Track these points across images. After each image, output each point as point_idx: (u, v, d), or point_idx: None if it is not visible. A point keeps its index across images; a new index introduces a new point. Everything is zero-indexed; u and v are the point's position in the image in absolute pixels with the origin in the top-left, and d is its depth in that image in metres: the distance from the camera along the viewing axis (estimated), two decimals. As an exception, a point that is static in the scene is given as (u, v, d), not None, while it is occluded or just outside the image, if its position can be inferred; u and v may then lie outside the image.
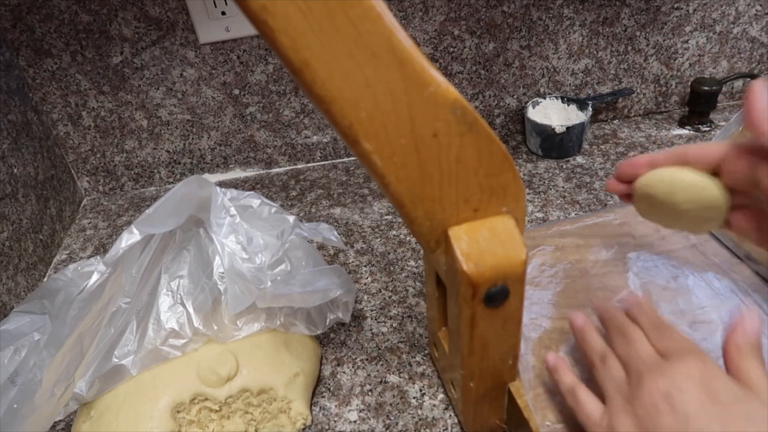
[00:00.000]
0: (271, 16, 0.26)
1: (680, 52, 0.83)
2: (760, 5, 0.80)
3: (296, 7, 0.26)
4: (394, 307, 0.60)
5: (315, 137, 0.85)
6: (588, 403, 0.36)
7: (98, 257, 0.48)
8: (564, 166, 0.79)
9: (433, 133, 0.31)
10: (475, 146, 0.32)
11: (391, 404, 0.51)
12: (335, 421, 0.50)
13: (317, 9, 0.27)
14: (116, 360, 0.46)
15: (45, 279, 0.73)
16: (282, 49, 0.27)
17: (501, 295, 0.35)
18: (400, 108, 0.30)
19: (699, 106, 0.81)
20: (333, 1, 0.27)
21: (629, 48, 0.81)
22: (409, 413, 0.50)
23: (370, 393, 0.52)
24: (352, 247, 0.69)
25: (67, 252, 0.77)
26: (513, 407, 0.42)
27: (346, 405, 0.51)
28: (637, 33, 0.80)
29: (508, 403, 0.43)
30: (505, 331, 0.38)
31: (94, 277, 0.47)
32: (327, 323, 0.52)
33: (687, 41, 0.82)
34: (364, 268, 0.66)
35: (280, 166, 0.87)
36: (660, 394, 0.31)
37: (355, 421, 0.50)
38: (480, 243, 0.34)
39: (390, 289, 0.62)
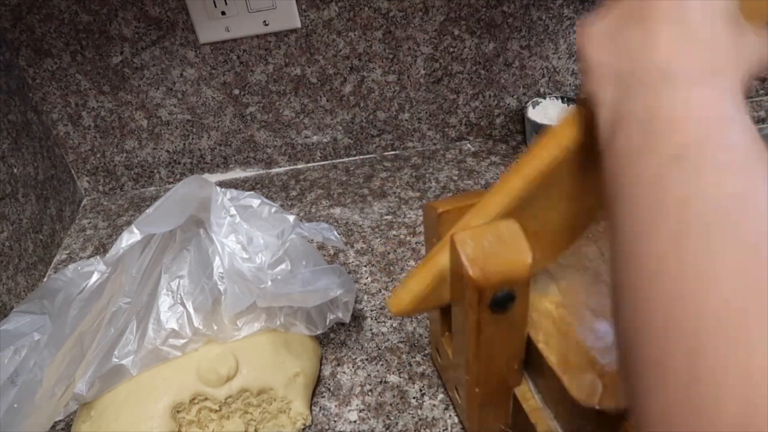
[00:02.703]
0: None
1: (680, 52, 0.82)
2: (760, 5, 0.80)
3: None
4: (394, 307, 0.60)
5: (315, 137, 0.85)
6: None
7: (98, 257, 0.48)
8: (564, 166, 0.78)
9: None
10: None
11: (391, 404, 0.51)
12: (335, 421, 0.50)
13: None
14: (116, 360, 0.46)
15: (45, 279, 0.73)
16: None
17: (507, 299, 0.35)
18: None
19: (699, 106, 0.81)
20: None
21: (629, 48, 0.81)
22: (409, 413, 0.50)
23: (370, 393, 0.52)
24: (352, 247, 0.69)
25: (67, 252, 0.77)
26: (518, 412, 0.42)
27: (346, 405, 0.51)
28: (637, 33, 0.80)
29: (513, 407, 0.43)
30: (510, 336, 0.38)
31: (94, 277, 0.47)
32: (327, 323, 0.52)
33: (687, 41, 0.82)
34: (364, 268, 0.66)
35: (280, 166, 0.87)
36: None
37: (355, 421, 0.50)
38: (485, 248, 0.34)
39: (390, 289, 0.62)
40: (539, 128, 0.78)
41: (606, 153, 0.28)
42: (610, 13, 0.31)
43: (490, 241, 0.34)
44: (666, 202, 0.23)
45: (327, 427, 0.50)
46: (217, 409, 0.47)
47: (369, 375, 0.54)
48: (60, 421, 0.53)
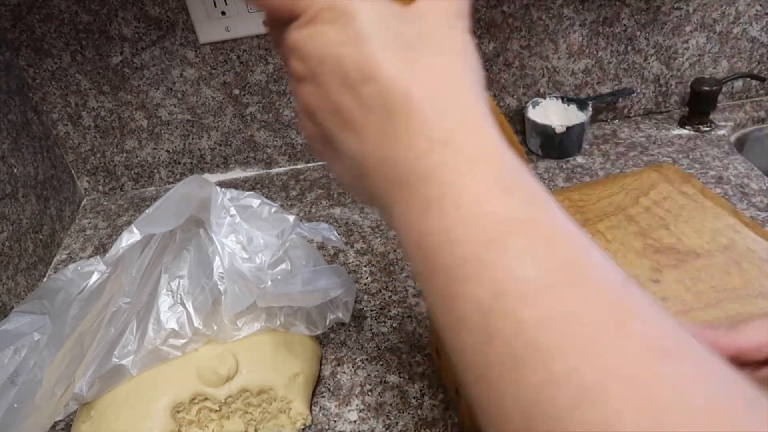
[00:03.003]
0: None
1: (680, 52, 0.83)
2: (760, 5, 0.80)
3: None
4: (394, 307, 0.60)
5: (315, 137, 0.85)
6: None
7: (98, 257, 0.48)
8: (564, 166, 0.79)
9: None
10: None
11: (391, 404, 0.51)
12: (335, 421, 0.50)
13: None
14: (116, 360, 0.46)
15: (45, 279, 0.73)
16: None
17: None
18: None
19: (699, 106, 0.81)
20: None
21: (629, 48, 0.81)
22: (409, 413, 0.50)
23: (370, 393, 0.52)
24: (352, 247, 0.69)
25: (67, 252, 0.77)
26: None
27: (346, 405, 0.51)
28: (637, 33, 0.80)
29: None
30: None
31: (94, 277, 0.47)
32: (327, 323, 0.52)
33: (687, 41, 0.82)
34: (364, 268, 0.66)
35: (280, 166, 0.87)
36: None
37: (355, 421, 0.50)
38: None
39: (390, 289, 0.62)
40: (539, 128, 0.78)
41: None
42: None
43: None
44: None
45: (327, 427, 0.50)
46: (217, 409, 0.47)
47: (369, 375, 0.54)
48: (60, 421, 0.53)
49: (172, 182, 0.87)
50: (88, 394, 0.46)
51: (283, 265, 0.48)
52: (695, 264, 0.49)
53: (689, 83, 0.83)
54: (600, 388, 0.17)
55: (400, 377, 0.53)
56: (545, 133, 0.78)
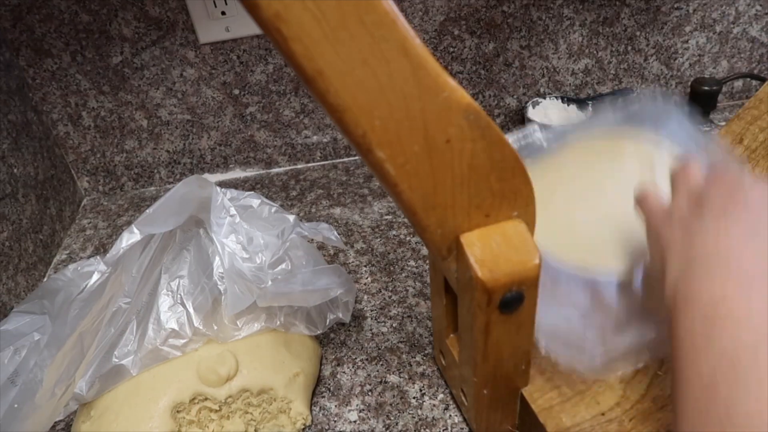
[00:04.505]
0: (285, 23, 0.26)
1: (680, 52, 0.83)
2: (760, 5, 0.80)
3: (311, 15, 0.26)
4: (394, 307, 0.60)
5: (315, 137, 0.85)
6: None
7: (98, 257, 0.48)
8: (564, 166, 0.79)
9: (446, 140, 0.31)
10: (488, 151, 0.32)
11: (391, 404, 0.51)
12: (335, 421, 0.50)
13: (332, 16, 0.26)
14: (116, 360, 0.46)
15: (45, 279, 0.73)
16: (295, 57, 0.27)
17: (516, 300, 0.35)
18: (414, 115, 0.30)
19: (699, 106, 0.81)
20: (348, 8, 0.26)
21: (629, 48, 0.81)
22: (409, 413, 0.50)
23: (370, 393, 0.52)
24: (352, 247, 0.69)
25: (67, 252, 0.77)
26: (526, 412, 0.42)
27: (346, 405, 0.51)
28: (637, 33, 0.80)
29: (520, 408, 0.43)
30: (519, 337, 0.38)
31: (94, 277, 0.47)
32: (327, 323, 0.52)
33: (687, 41, 0.82)
34: (364, 268, 0.66)
35: (280, 166, 0.87)
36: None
37: (355, 421, 0.50)
38: (493, 249, 0.34)
39: (390, 289, 0.62)
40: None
41: (672, 325, 0.32)
42: (682, 201, 0.37)
43: (497, 241, 0.34)
44: (715, 405, 0.27)
45: (327, 427, 0.50)
46: (217, 409, 0.47)
47: (369, 375, 0.54)
48: (60, 421, 0.53)
49: (172, 182, 0.87)
50: (88, 394, 0.46)
51: (283, 265, 0.48)
52: None
53: (689, 83, 0.83)
54: None
55: (400, 377, 0.53)
56: (545, 133, 0.78)
